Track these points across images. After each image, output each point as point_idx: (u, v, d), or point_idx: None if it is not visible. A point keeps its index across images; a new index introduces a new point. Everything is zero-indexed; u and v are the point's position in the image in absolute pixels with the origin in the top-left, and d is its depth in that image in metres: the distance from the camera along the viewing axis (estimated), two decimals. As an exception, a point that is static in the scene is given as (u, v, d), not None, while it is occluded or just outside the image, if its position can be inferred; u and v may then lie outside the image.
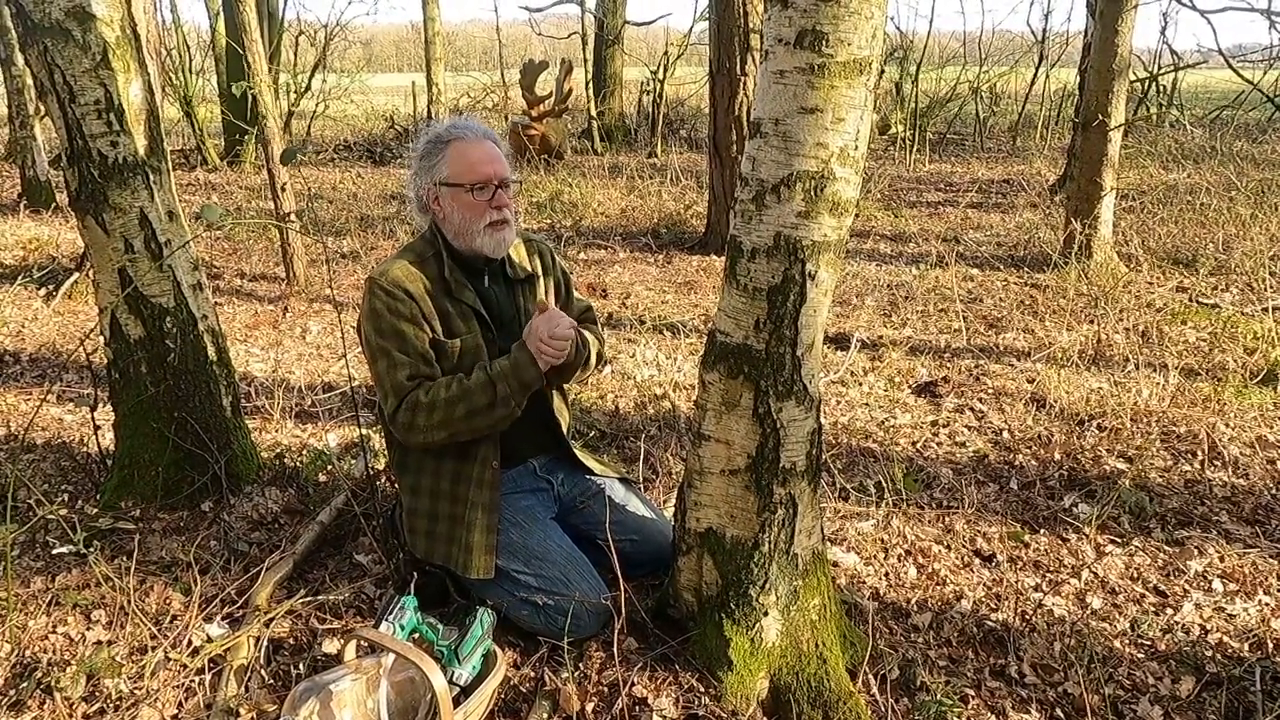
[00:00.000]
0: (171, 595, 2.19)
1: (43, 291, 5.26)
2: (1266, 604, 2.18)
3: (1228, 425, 3.14)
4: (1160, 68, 11.65)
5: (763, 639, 1.80)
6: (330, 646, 1.99)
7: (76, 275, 5.21)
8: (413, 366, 1.94)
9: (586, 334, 2.16)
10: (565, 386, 2.29)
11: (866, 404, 3.48)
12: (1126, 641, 2.05)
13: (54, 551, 2.41)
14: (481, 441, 2.01)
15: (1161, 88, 11.80)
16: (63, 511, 2.55)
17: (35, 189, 7.95)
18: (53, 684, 1.85)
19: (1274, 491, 2.72)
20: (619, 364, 3.95)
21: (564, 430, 2.23)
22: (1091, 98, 5.26)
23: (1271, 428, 3.14)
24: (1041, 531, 2.52)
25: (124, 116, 2.40)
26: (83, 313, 4.90)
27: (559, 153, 10.46)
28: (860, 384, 3.69)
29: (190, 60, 12.02)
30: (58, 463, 2.99)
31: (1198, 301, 4.65)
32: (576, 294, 2.34)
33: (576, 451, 2.24)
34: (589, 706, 1.79)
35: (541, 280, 2.21)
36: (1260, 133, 11.17)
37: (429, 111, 10.26)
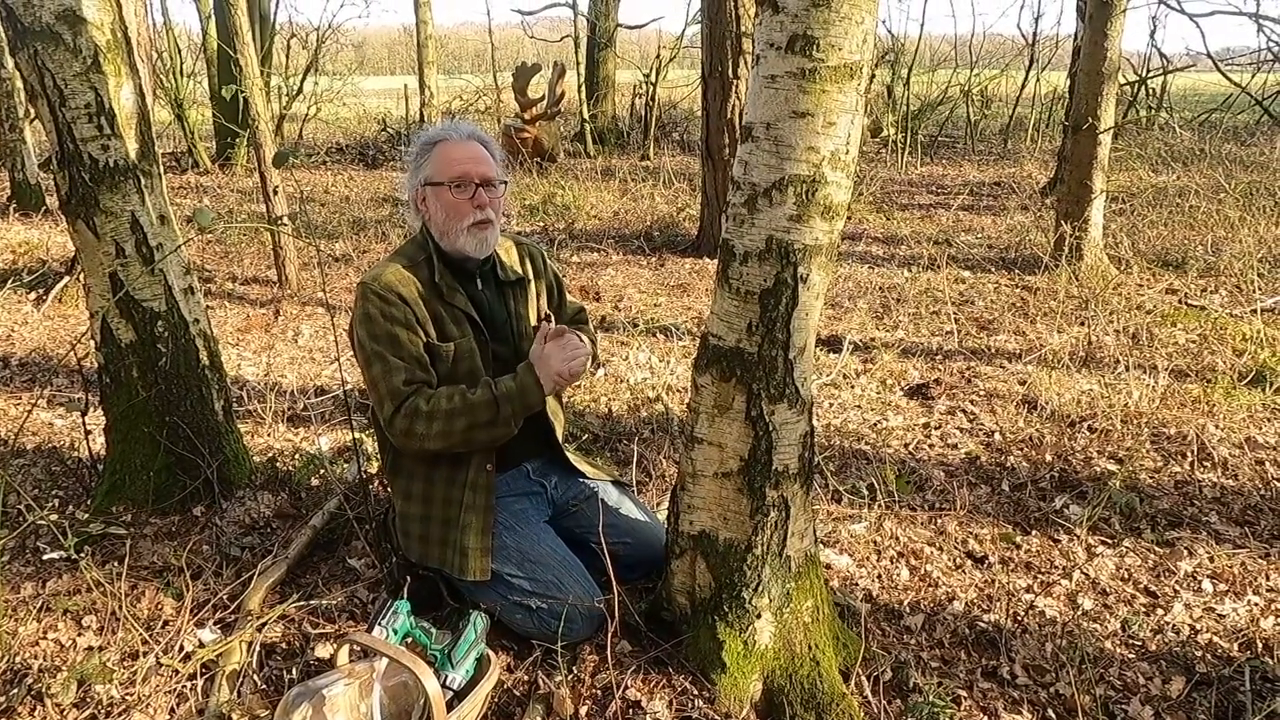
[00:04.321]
0: (163, 600, 2.18)
1: (33, 295, 5.24)
2: (1256, 604, 2.19)
3: (1217, 426, 3.16)
4: (1150, 71, 11.72)
5: (756, 641, 1.81)
6: (323, 651, 1.98)
7: (67, 279, 5.19)
8: (408, 371, 1.93)
9: (585, 339, 2.16)
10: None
11: (859, 406, 3.49)
12: (1117, 642, 2.06)
13: (45, 557, 2.40)
14: None
15: (1151, 91, 11.87)
16: (53, 517, 2.54)
17: (25, 192, 7.91)
18: (44, 690, 1.84)
19: (1263, 492, 2.73)
20: (612, 367, 3.95)
21: (559, 433, 2.23)
22: (1081, 101, 5.29)
23: (1260, 429, 3.16)
24: (1033, 533, 2.53)
25: (115, 120, 2.39)
26: (73, 317, 4.88)
27: (552, 156, 10.46)
28: (852, 386, 3.70)
29: (182, 63, 11.99)
30: (48, 468, 2.97)
31: (1187, 303, 4.68)
32: (570, 297, 2.34)
33: (569, 455, 2.24)
34: (583, 710, 1.80)
35: (533, 284, 2.20)
36: (1249, 135, 11.25)
37: (421, 115, 10.25)
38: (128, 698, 1.85)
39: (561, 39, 14.72)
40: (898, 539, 2.48)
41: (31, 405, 3.45)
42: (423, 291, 1.99)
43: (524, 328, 2.14)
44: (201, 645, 1.99)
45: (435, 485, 2.03)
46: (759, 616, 1.80)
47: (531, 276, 2.20)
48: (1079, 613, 2.16)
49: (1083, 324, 4.35)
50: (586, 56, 13.60)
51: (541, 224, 7.29)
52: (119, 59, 2.41)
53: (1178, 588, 2.27)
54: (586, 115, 12.36)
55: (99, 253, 2.46)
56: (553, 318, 2.10)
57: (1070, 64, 9.41)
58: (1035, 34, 13.30)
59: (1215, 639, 2.06)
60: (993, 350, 4.10)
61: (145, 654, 1.95)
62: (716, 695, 1.78)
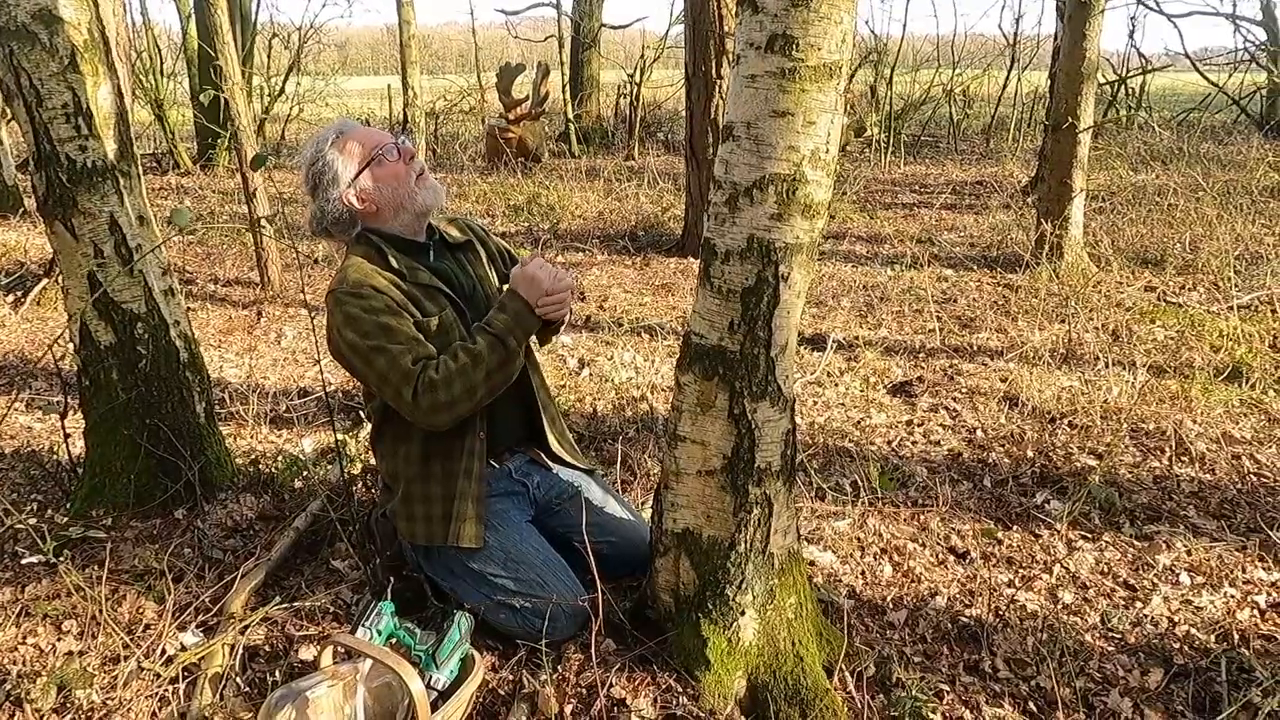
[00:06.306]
0: (144, 604, 2.16)
1: (11, 298, 5.18)
2: (1232, 596, 2.22)
3: (1195, 422, 3.19)
4: (1129, 70, 11.85)
5: (740, 638, 1.82)
6: (306, 653, 1.98)
7: (45, 281, 5.14)
8: (412, 350, 1.92)
9: None
10: (545, 379, 2.32)
11: (842, 404, 3.51)
12: (1097, 635, 2.08)
13: (23, 561, 2.38)
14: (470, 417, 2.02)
15: (1130, 90, 12.00)
16: (32, 520, 2.51)
17: (2, 194, 7.83)
18: (23, 696, 1.82)
19: (1239, 486, 2.77)
20: (597, 366, 3.96)
21: (543, 414, 2.23)
22: (1061, 100, 5.34)
23: (1237, 424, 3.20)
24: (1014, 528, 2.55)
25: (93, 121, 2.37)
26: (52, 319, 4.83)
27: (536, 156, 10.45)
28: (836, 384, 3.72)
29: (161, 63, 11.88)
30: (27, 471, 2.94)
31: (1165, 300, 4.73)
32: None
33: (551, 441, 2.24)
34: (567, 708, 1.80)
35: (479, 247, 2.24)
36: (1226, 134, 11.37)
37: (405, 115, 10.20)
38: (109, 702, 1.83)
39: (546, 39, 14.69)
40: (880, 535, 2.50)
41: (9, 408, 3.42)
42: (390, 279, 2.00)
43: (488, 289, 2.17)
44: (183, 648, 1.98)
45: (433, 462, 2.03)
46: (743, 613, 1.81)
47: (475, 240, 2.25)
48: (1059, 606, 2.18)
49: (1063, 321, 4.39)
50: (571, 56, 13.59)
51: (526, 224, 7.28)
52: (96, 59, 2.39)
53: (1156, 581, 2.29)
54: (571, 115, 12.35)
55: (77, 254, 2.44)
56: (537, 255, 2.12)
57: (1050, 64, 9.49)
58: (1016, 34, 13.41)
59: (1193, 631, 2.08)
60: (974, 348, 4.13)
61: (126, 658, 1.94)
62: (701, 692, 1.79)
